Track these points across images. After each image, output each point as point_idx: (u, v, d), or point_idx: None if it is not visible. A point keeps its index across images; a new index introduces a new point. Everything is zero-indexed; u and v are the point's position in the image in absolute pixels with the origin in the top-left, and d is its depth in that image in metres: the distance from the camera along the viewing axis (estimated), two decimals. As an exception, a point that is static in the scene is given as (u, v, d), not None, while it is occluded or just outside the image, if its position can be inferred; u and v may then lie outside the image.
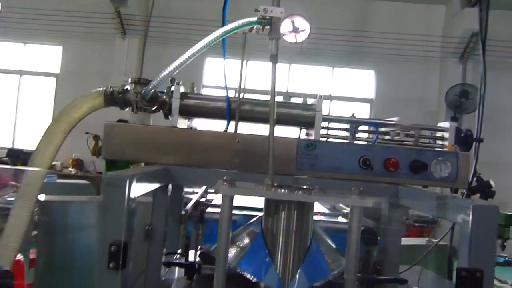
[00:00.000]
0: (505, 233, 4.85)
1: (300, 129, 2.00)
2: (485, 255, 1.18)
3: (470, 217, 1.17)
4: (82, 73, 8.06)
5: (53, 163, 1.71)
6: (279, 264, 1.25)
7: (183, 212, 1.87)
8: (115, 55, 8.39)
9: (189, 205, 1.91)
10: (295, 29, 7.68)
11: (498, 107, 7.66)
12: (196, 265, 1.45)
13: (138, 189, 1.29)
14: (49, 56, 9.00)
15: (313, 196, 1.24)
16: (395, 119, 2.01)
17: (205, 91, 8.21)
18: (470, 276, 1.16)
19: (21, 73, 9.02)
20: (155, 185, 1.58)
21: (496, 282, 5.27)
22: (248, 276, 1.24)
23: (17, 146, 8.69)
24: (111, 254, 1.15)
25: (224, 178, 1.20)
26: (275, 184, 1.29)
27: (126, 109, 1.75)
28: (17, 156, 7.63)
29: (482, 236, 1.17)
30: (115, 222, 1.17)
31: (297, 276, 1.23)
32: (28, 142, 8.43)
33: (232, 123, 1.82)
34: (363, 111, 8.62)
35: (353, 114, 1.85)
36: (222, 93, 1.83)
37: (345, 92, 8.89)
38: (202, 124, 2.08)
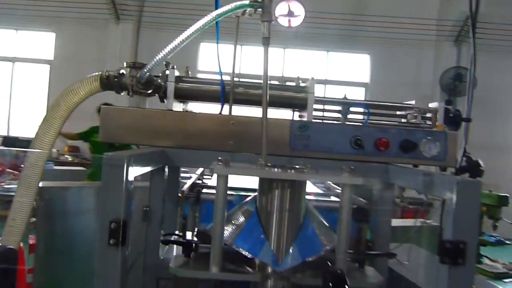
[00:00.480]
0: (497, 214, 4.95)
1: (293, 111, 2.03)
2: (469, 227, 1.23)
3: (455, 192, 1.22)
4: (76, 60, 7.99)
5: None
6: (273, 241, 1.29)
7: (179, 194, 1.91)
8: (109, 40, 8.32)
9: (185, 186, 1.96)
10: (290, 13, 7.62)
11: (493, 90, 7.71)
12: (193, 244, 1.49)
13: (136, 169, 1.33)
14: (42, 43, 8.91)
15: (304, 175, 1.28)
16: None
17: (200, 77, 8.18)
18: (453, 247, 1.22)
19: (14, 60, 8.95)
20: (153, 167, 1.62)
21: (487, 261, 5.39)
22: (243, 252, 1.28)
23: (12, 134, 8.68)
24: (111, 231, 1.20)
25: (219, 158, 1.24)
26: (269, 164, 1.33)
27: (122, 93, 1.78)
28: (13, 144, 7.63)
29: (466, 210, 1.22)
30: (115, 200, 1.21)
31: (291, 251, 1.28)
32: (23, 129, 8.42)
33: (227, 106, 1.85)
34: (358, 95, 8.63)
35: (345, 96, 1.89)
36: (217, 77, 1.85)
37: (340, 76, 8.90)
38: (197, 108, 2.11)
